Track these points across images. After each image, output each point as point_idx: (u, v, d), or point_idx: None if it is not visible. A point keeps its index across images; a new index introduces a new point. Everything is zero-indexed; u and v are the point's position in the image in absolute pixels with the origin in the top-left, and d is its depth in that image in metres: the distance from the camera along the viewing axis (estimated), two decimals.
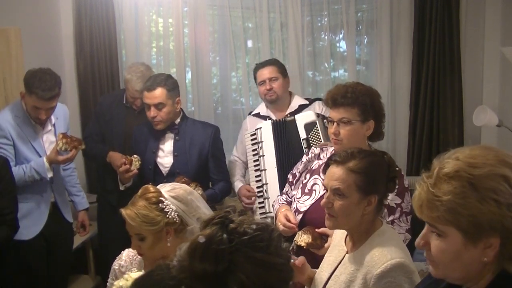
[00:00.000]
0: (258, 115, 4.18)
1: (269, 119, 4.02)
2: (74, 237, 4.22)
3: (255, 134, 3.91)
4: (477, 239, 1.38)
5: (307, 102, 4.10)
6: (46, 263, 3.86)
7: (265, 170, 3.81)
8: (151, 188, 2.35)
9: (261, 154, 3.84)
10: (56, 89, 3.56)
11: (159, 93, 3.61)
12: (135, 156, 3.65)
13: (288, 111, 4.06)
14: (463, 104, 4.74)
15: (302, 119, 3.72)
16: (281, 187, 3.63)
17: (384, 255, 2.10)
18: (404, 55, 4.92)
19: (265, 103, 4.17)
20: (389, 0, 4.87)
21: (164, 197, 2.32)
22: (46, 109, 3.58)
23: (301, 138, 3.68)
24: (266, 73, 4.05)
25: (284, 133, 3.75)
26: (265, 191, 3.80)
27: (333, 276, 2.27)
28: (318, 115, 3.72)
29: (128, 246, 2.62)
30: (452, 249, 1.42)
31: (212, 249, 1.15)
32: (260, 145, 3.85)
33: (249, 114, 4.33)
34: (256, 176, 3.89)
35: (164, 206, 2.29)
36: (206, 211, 2.40)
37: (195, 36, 5.21)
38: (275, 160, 3.76)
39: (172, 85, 3.68)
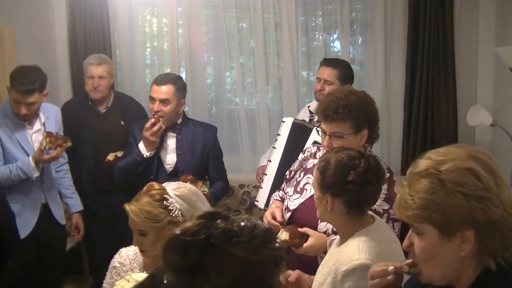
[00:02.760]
0: (308, 108, 4.25)
1: (310, 115, 4.12)
2: (67, 238, 4.21)
3: (281, 125, 3.95)
4: (451, 233, 1.42)
5: None
6: (38, 264, 3.85)
7: (270, 161, 3.87)
8: (155, 185, 2.36)
9: (274, 146, 3.88)
10: (36, 85, 3.56)
11: (168, 89, 3.67)
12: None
13: None
14: (457, 104, 4.74)
15: (315, 135, 3.61)
16: (275, 183, 3.73)
17: (353, 254, 2.11)
18: (398, 55, 4.92)
19: None
20: (383, 0, 4.87)
21: (169, 195, 2.32)
22: (25, 103, 3.58)
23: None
24: (325, 73, 4.00)
25: (297, 136, 3.75)
26: (262, 180, 3.89)
27: (320, 267, 2.31)
28: None
29: (114, 247, 2.63)
30: (430, 246, 1.46)
31: (182, 240, 1.14)
32: (277, 137, 3.89)
33: (308, 105, 4.37)
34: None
35: (168, 204, 2.29)
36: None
37: (189, 36, 5.20)
38: (280, 156, 3.80)
39: (181, 86, 3.76)
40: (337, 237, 2.41)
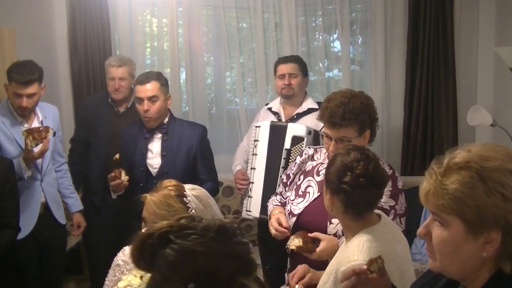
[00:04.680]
0: (270, 109, 4.19)
1: (277, 116, 4.06)
2: (68, 238, 4.21)
3: (255, 131, 3.93)
4: (478, 231, 1.38)
5: (317, 107, 3.97)
6: (38, 264, 3.85)
7: (254, 169, 3.86)
8: (173, 181, 2.41)
9: (254, 152, 3.87)
10: (35, 74, 3.57)
11: (153, 86, 3.62)
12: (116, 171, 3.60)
13: (297, 111, 4.05)
14: (457, 103, 4.75)
15: (292, 130, 3.72)
16: (265, 189, 3.75)
17: (352, 255, 2.11)
18: (399, 55, 4.93)
19: (280, 98, 4.17)
20: (383, 0, 4.88)
21: (187, 194, 2.36)
22: (26, 95, 3.57)
23: (284, 147, 3.70)
24: (287, 67, 4.06)
25: (276, 137, 3.77)
26: (250, 189, 3.87)
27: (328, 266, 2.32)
28: (310, 132, 3.68)
29: (114, 247, 2.63)
30: (453, 240, 1.42)
31: (141, 237, 1.17)
32: (255, 143, 3.88)
33: (266, 105, 4.34)
34: (248, 173, 3.98)
35: (187, 201, 2.34)
36: (219, 216, 2.43)
37: (189, 36, 5.20)
38: (264, 162, 3.79)
39: (164, 81, 3.72)
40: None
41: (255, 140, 3.89)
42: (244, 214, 3.95)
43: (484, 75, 4.73)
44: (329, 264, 2.29)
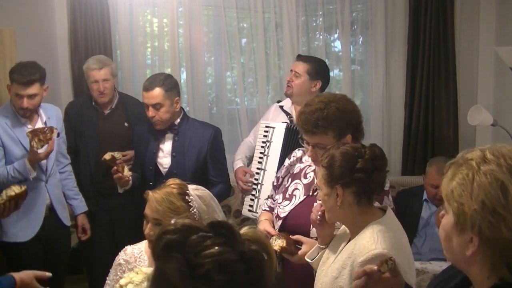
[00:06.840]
0: (282, 108, 4.12)
1: (289, 117, 3.99)
2: (70, 239, 4.20)
3: (267, 131, 3.84)
4: (463, 228, 1.41)
5: None
6: (43, 266, 3.84)
7: (265, 170, 3.79)
8: (177, 180, 2.43)
9: (266, 153, 3.80)
10: (36, 75, 3.56)
11: (157, 93, 3.60)
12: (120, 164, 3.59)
13: None
14: (458, 103, 4.75)
15: None
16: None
17: (369, 245, 2.12)
18: (399, 55, 4.93)
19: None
20: (383, 0, 4.88)
21: (190, 193, 2.38)
22: (27, 96, 3.57)
23: None
24: (295, 66, 3.99)
25: (295, 140, 3.61)
26: (258, 190, 3.81)
27: (332, 262, 2.31)
28: None
29: (110, 250, 2.63)
30: (447, 228, 1.47)
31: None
32: (268, 144, 3.80)
33: (278, 102, 4.27)
34: (256, 173, 3.88)
35: (189, 200, 2.35)
36: (221, 217, 2.45)
37: (190, 36, 5.20)
38: (277, 165, 3.69)
39: (170, 85, 3.66)
40: (342, 227, 2.41)
41: (267, 141, 3.79)
42: (245, 213, 3.91)
43: (484, 75, 4.74)
44: (336, 260, 2.27)
